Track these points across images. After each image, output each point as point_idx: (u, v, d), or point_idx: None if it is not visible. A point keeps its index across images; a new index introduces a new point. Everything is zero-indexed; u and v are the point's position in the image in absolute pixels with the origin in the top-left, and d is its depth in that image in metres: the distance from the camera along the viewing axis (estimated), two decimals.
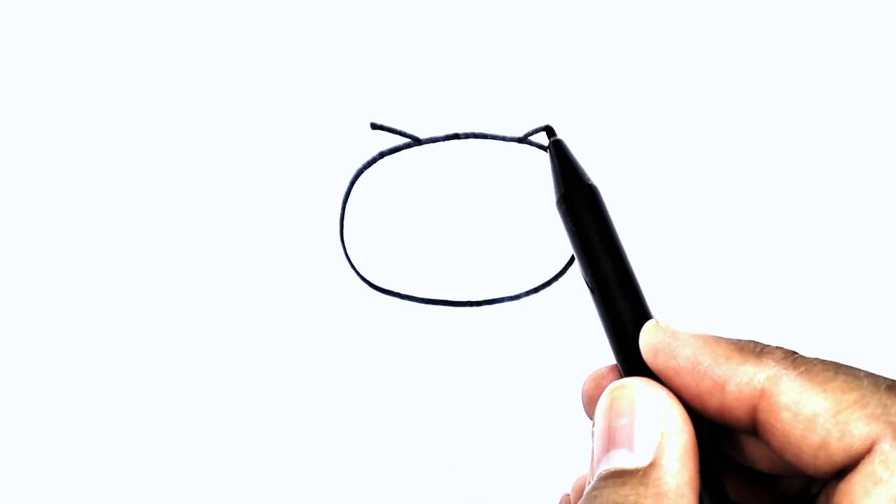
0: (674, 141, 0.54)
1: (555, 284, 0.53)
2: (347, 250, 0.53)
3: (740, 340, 0.29)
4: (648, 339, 0.31)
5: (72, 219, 0.53)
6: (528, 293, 0.52)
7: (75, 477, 0.50)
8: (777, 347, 0.29)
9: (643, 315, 0.33)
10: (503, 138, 0.56)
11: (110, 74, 0.55)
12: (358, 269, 0.52)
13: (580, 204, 0.35)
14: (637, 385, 0.31)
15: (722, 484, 0.29)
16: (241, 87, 0.55)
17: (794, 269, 0.53)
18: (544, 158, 0.57)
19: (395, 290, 0.52)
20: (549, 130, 0.40)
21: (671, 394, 0.30)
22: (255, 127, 0.54)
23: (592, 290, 0.34)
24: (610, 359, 0.36)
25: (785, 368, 0.28)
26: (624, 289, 0.34)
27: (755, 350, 0.29)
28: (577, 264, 0.38)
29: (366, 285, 0.52)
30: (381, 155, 0.56)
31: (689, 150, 0.54)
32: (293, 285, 0.52)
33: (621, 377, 0.33)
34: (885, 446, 0.26)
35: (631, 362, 0.32)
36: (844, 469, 0.26)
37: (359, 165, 0.56)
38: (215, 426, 0.50)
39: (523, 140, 0.56)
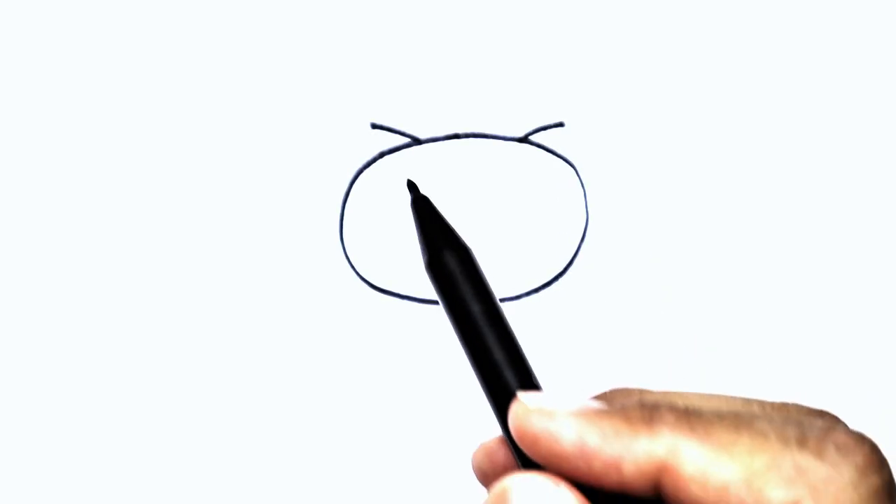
0: (679, 140, 0.54)
1: (555, 284, 0.53)
2: (347, 250, 0.53)
3: (625, 408, 0.27)
4: (522, 426, 0.27)
5: (69, 220, 0.53)
6: (528, 293, 0.52)
7: (75, 477, 0.50)
8: (667, 409, 0.26)
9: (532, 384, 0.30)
10: (503, 138, 0.56)
11: (109, 74, 0.55)
12: (357, 270, 0.52)
13: (454, 268, 0.31)
14: (522, 484, 0.27)
15: None
16: (240, 87, 0.55)
17: (802, 272, 0.53)
18: (545, 158, 0.57)
19: (395, 290, 0.52)
20: (411, 186, 0.35)
21: (562, 482, 0.27)
22: (254, 127, 0.54)
23: (473, 366, 0.31)
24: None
25: (682, 434, 0.25)
26: (513, 364, 0.30)
27: (644, 417, 0.26)
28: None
29: (365, 285, 0.52)
30: (381, 155, 0.56)
31: (695, 150, 0.54)
32: (292, 285, 0.52)
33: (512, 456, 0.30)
34: None
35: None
36: None
37: (359, 165, 0.56)
38: (214, 426, 0.50)
39: (523, 140, 0.56)
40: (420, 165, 0.55)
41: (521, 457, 0.29)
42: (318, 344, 0.50)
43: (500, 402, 0.30)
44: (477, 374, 0.30)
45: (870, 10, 0.57)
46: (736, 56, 0.56)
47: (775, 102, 0.55)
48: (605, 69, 0.55)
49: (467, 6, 0.56)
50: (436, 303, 0.54)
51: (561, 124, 0.54)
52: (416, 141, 0.54)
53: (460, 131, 0.54)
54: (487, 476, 0.32)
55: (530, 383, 0.30)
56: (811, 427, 0.26)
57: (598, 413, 0.27)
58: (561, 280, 0.52)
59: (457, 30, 0.56)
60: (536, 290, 0.52)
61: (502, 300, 0.53)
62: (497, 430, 0.30)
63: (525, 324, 0.52)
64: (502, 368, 0.30)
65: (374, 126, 0.54)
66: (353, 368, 0.50)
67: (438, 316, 0.56)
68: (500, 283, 0.53)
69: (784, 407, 0.28)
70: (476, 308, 0.31)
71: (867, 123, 0.55)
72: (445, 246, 0.31)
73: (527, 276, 0.53)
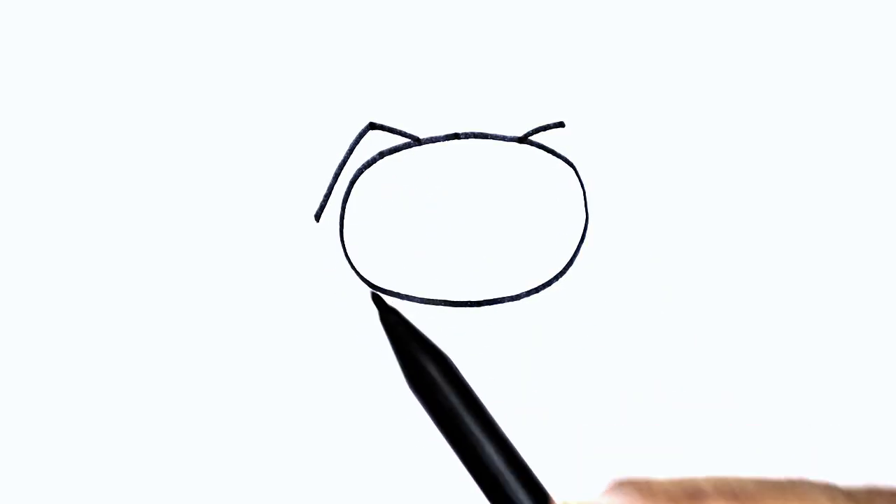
0: (679, 140, 0.54)
1: (555, 284, 0.53)
2: (347, 250, 0.53)
3: (674, 499, 0.27)
4: None
5: (72, 220, 0.53)
6: (528, 293, 0.52)
7: (75, 477, 0.50)
8: (713, 491, 0.26)
9: (544, 498, 0.29)
10: (503, 138, 0.56)
11: (109, 75, 0.55)
12: (358, 269, 0.52)
13: (440, 381, 0.29)
14: None
15: None
16: (240, 87, 0.55)
17: (805, 273, 0.53)
18: (545, 158, 0.57)
19: (395, 290, 0.52)
20: (376, 298, 0.32)
21: None
22: (254, 127, 0.54)
23: (479, 482, 0.29)
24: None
25: None
26: (520, 476, 0.29)
27: None
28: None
29: (366, 285, 0.52)
30: (381, 155, 0.56)
31: (695, 150, 0.54)
32: (293, 285, 0.52)
33: None
34: None
35: None
36: None
37: (359, 165, 0.56)
38: (213, 426, 0.50)
39: (523, 140, 0.56)
40: (420, 165, 0.55)
41: None
42: (318, 344, 0.50)
43: None
44: (481, 488, 0.29)
45: (870, 10, 0.57)
46: (736, 56, 0.56)
47: (775, 103, 0.55)
48: (605, 69, 0.55)
49: (467, 6, 0.56)
50: (436, 303, 0.54)
51: (561, 124, 0.54)
52: (417, 141, 0.54)
53: (460, 131, 0.54)
54: None
55: (541, 495, 0.29)
56: (852, 489, 0.26)
57: None
58: (561, 280, 0.52)
59: (456, 30, 0.56)
60: (536, 290, 0.52)
61: (502, 300, 0.53)
62: None
63: (525, 324, 0.52)
64: (512, 488, 0.28)
65: (374, 126, 0.54)
66: (354, 368, 0.50)
67: (438, 316, 0.56)
68: (499, 282, 0.53)
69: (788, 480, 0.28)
70: (468, 420, 0.29)
71: (867, 124, 0.55)
72: (426, 358, 0.29)
73: (526, 275, 0.53)
